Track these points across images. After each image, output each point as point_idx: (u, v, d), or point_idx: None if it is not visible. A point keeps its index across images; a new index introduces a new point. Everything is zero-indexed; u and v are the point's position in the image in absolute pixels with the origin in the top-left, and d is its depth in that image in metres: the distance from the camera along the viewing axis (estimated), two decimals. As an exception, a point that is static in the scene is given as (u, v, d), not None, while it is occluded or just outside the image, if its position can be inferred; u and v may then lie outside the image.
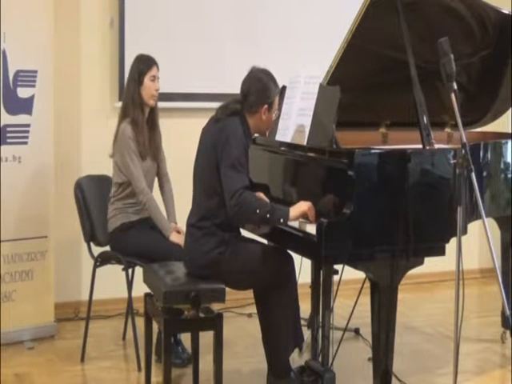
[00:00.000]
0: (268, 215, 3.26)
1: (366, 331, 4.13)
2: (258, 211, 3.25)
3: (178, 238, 3.97)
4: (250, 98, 3.42)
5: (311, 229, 3.18)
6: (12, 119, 4.33)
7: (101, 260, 4.17)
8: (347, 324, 3.84)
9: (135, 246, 4.00)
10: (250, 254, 3.46)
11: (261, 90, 3.42)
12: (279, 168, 3.77)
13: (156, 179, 4.27)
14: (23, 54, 4.35)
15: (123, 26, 4.96)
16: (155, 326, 3.60)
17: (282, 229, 3.35)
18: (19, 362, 4.14)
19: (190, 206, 3.58)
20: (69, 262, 4.87)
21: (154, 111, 4.18)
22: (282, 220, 3.27)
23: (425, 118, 3.47)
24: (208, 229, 3.41)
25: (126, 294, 4.17)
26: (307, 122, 3.54)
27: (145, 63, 4.12)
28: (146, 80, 4.09)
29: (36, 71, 4.40)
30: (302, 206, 3.30)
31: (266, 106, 3.44)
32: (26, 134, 4.38)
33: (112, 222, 4.10)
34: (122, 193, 4.10)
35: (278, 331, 3.48)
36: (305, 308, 3.98)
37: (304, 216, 3.30)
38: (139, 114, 4.08)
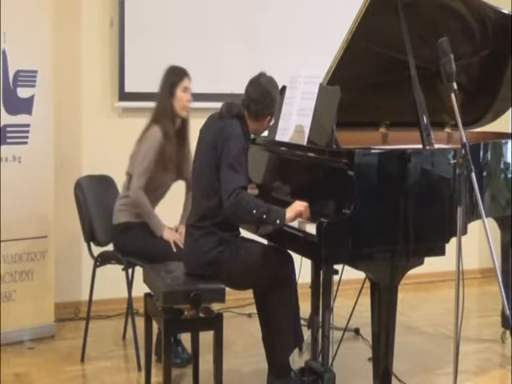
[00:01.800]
0: (264, 216, 3.26)
1: (366, 331, 4.13)
2: (254, 212, 3.25)
3: (170, 235, 3.96)
4: (257, 106, 3.46)
5: (311, 229, 3.18)
6: (12, 119, 4.33)
7: (101, 260, 4.17)
8: (347, 324, 3.84)
9: (136, 247, 3.99)
10: (249, 253, 3.46)
11: (268, 103, 3.46)
12: (279, 168, 3.77)
13: (184, 184, 4.25)
14: (23, 54, 4.35)
15: (123, 25, 4.96)
16: (155, 326, 3.60)
17: (282, 229, 3.35)
18: (19, 362, 4.14)
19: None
20: (69, 262, 4.87)
21: (185, 123, 4.14)
22: (278, 221, 3.27)
23: (425, 118, 3.47)
24: (208, 228, 3.42)
25: (126, 294, 4.17)
26: (307, 122, 3.54)
27: (177, 74, 4.10)
28: (178, 91, 4.07)
29: (36, 71, 4.40)
30: (298, 207, 3.30)
31: (269, 117, 3.51)
32: (26, 134, 4.38)
33: (118, 216, 4.08)
34: None
35: (278, 331, 3.47)
36: (305, 308, 3.98)
37: (300, 216, 3.31)
38: (170, 125, 4.05)
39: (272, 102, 3.47)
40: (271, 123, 3.61)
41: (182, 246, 3.84)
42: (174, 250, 3.92)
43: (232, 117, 3.44)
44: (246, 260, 3.43)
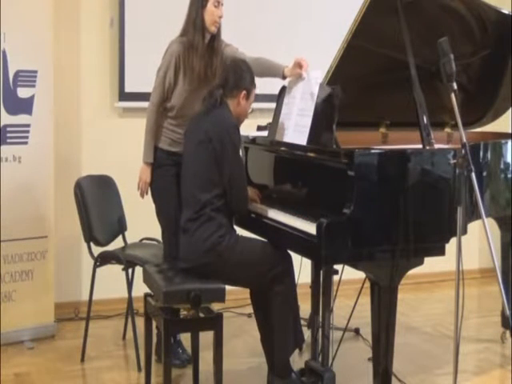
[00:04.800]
0: None
1: (366, 331, 4.13)
2: None
3: (143, 173, 3.98)
4: (230, 82, 3.52)
5: (311, 229, 3.17)
6: (12, 119, 4.34)
7: (101, 260, 4.17)
8: (347, 324, 3.84)
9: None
10: (248, 245, 3.47)
11: (239, 76, 3.53)
12: (279, 168, 3.76)
13: None
14: (23, 54, 4.35)
15: (123, 25, 4.97)
16: (155, 326, 3.60)
17: (282, 229, 3.36)
18: (19, 361, 4.14)
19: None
20: (69, 262, 4.87)
21: (215, 38, 4.04)
22: None
23: (425, 118, 3.47)
24: (207, 215, 3.42)
25: (126, 294, 4.18)
26: (307, 122, 3.54)
27: None
28: (210, 4, 3.96)
29: (36, 71, 4.40)
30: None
31: (244, 92, 3.53)
32: (26, 134, 4.39)
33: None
34: (167, 111, 4.03)
35: (278, 331, 3.47)
36: (305, 308, 3.98)
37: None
38: (199, 38, 3.94)
39: (243, 75, 3.53)
40: (250, 111, 3.62)
41: (142, 195, 4.00)
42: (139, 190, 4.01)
43: (217, 106, 3.48)
44: (243, 250, 3.44)
